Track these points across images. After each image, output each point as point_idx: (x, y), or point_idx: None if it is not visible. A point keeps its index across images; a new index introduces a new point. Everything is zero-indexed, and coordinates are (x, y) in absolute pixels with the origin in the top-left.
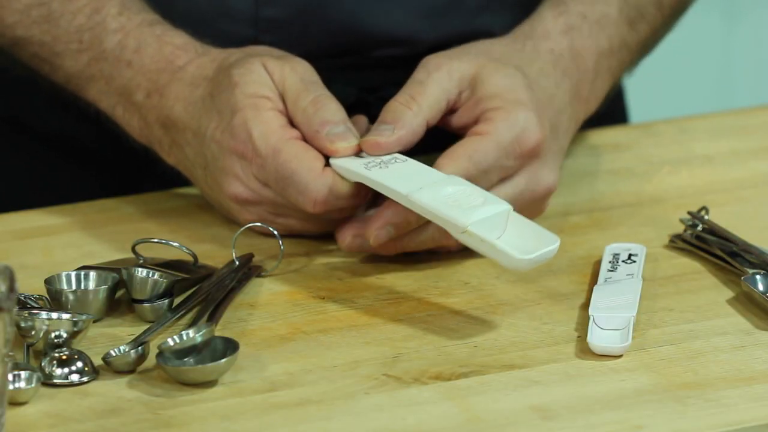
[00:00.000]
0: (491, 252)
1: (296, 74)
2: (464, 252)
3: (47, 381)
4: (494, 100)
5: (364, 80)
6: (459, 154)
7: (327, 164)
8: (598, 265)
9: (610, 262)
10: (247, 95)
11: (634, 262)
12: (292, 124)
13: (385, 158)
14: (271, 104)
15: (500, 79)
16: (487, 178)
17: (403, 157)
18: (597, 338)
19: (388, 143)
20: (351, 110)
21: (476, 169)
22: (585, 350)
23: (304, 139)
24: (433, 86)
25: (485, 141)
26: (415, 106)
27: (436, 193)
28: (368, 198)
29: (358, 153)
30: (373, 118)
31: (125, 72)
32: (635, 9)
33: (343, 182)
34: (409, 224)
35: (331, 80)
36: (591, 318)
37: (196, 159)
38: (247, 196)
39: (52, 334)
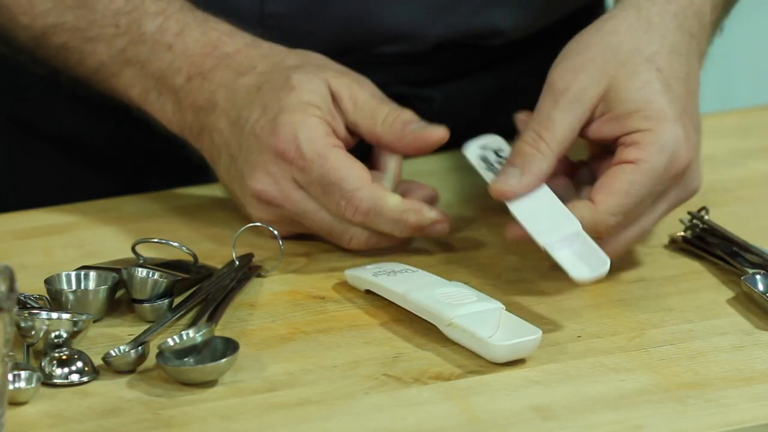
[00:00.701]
0: (473, 343)
1: (365, 91)
2: (464, 252)
3: (47, 381)
4: (636, 119)
5: (370, 77)
6: (616, 189)
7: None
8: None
9: (483, 161)
10: (301, 101)
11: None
12: (340, 137)
13: (397, 269)
14: (320, 112)
15: (636, 91)
16: (642, 205)
17: (414, 269)
18: (578, 272)
19: (515, 191)
20: None
21: (633, 203)
22: (585, 350)
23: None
24: (562, 119)
25: (640, 172)
26: (543, 146)
27: (431, 291)
28: (398, 242)
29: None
30: None
31: (165, 55)
32: None
33: (386, 199)
34: None
35: None
36: (549, 249)
37: (224, 147)
38: (273, 196)
39: (52, 334)
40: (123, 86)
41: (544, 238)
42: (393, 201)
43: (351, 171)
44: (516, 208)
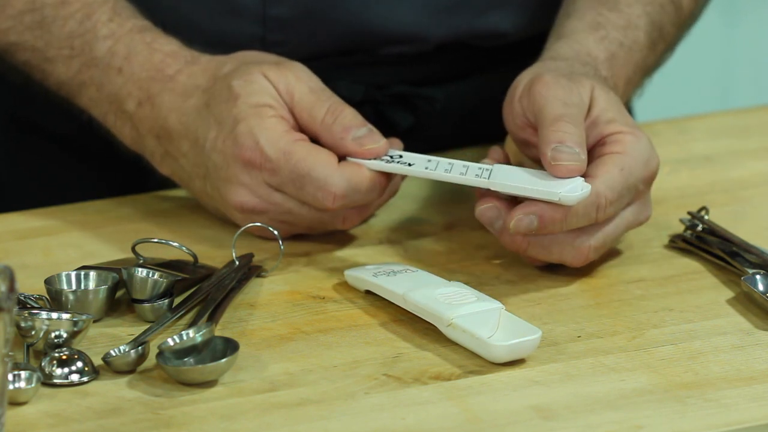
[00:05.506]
0: (473, 343)
1: (303, 84)
2: (464, 253)
3: (47, 381)
4: (615, 125)
5: (372, 77)
6: (611, 167)
7: (340, 161)
8: (598, 265)
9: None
10: (250, 105)
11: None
12: (296, 129)
13: (397, 269)
14: (274, 111)
15: (613, 102)
16: (628, 196)
17: (414, 269)
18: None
19: (581, 169)
20: (359, 107)
21: (625, 182)
22: (585, 350)
23: (314, 141)
24: (579, 112)
25: (627, 158)
26: (582, 128)
27: (431, 291)
28: (385, 190)
29: (383, 156)
30: (380, 115)
31: (116, 79)
32: (658, 29)
33: (361, 174)
34: (553, 223)
35: (338, 77)
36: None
37: (194, 169)
38: (254, 204)
39: (52, 334)
40: (85, 105)
41: (555, 189)
42: (365, 172)
43: (317, 159)
44: (507, 184)
